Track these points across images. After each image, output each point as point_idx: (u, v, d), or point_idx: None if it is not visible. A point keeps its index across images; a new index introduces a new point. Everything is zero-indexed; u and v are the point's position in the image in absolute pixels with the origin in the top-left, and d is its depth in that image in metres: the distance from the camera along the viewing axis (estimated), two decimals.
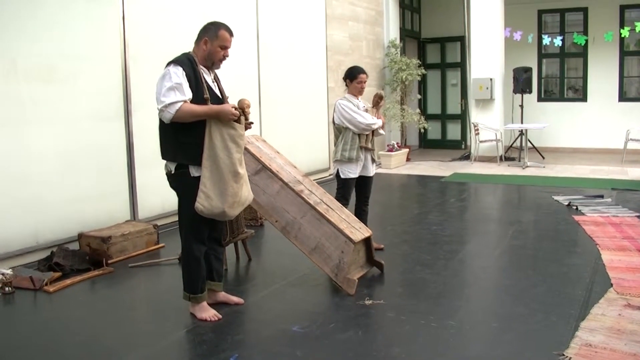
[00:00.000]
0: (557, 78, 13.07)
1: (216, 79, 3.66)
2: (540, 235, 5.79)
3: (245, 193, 3.55)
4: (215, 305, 3.79)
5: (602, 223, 6.04)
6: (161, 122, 3.45)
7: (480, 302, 3.98)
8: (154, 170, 5.79)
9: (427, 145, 13.91)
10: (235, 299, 3.92)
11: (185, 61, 3.44)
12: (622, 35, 11.29)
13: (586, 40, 11.95)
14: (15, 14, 4.80)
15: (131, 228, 5.31)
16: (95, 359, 3.18)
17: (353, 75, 5.04)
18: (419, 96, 12.89)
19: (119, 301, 4.13)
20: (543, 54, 12.97)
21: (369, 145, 5.06)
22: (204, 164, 3.39)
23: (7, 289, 4.25)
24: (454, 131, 13.74)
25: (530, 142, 11.40)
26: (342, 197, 4.98)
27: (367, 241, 4.43)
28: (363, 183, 5.14)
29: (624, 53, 12.25)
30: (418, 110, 11.83)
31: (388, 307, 3.82)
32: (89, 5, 5.39)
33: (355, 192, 5.18)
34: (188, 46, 3.63)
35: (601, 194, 7.53)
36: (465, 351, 3.17)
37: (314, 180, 6.15)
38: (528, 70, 11.74)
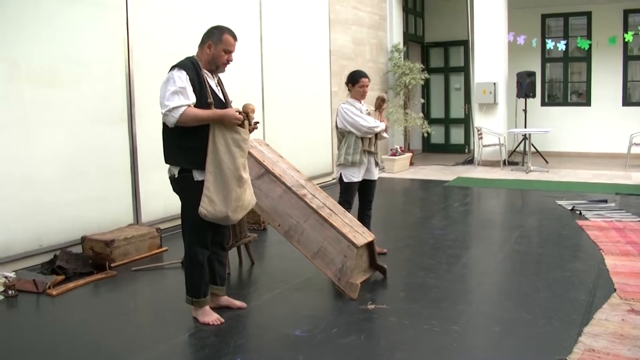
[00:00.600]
0: (560, 82, 13.06)
1: (220, 83, 3.67)
2: (543, 240, 5.77)
3: (249, 197, 3.55)
4: (218, 309, 3.79)
5: (605, 228, 6.02)
6: (165, 126, 3.45)
7: (483, 306, 3.97)
8: (157, 174, 5.80)
9: (430, 149, 13.90)
10: (238, 303, 3.92)
11: (189, 65, 3.45)
12: (626, 40, 11.28)
13: (590, 45, 11.93)
14: (19, 17, 4.82)
15: (134, 232, 5.32)
16: None
17: (355, 80, 5.04)
18: (422, 100, 12.90)
19: (121, 305, 4.13)
20: (547, 58, 12.97)
21: (372, 149, 5.06)
22: (208, 169, 3.40)
23: (10, 292, 4.26)
24: (457, 135, 13.74)
25: (534, 147, 11.39)
26: (345, 201, 4.98)
27: (370, 245, 4.43)
28: (366, 187, 5.13)
29: (627, 57, 12.24)
30: (421, 115, 11.83)
31: (391, 311, 3.82)
32: (93, 9, 5.41)
33: (358, 196, 5.17)
34: (192, 50, 3.64)
35: (605, 198, 7.52)
36: (468, 356, 3.17)
37: (317, 184, 6.16)
38: (532, 74, 11.73)
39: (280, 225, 4.32)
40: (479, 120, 11.54)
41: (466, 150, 13.31)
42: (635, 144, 10.74)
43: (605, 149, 12.26)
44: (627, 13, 12.02)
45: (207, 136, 3.41)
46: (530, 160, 10.65)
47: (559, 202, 7.42)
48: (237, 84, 6.59)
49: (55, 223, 5.12)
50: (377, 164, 5.16)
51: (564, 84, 12.98)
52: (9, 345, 3.44)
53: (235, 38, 3.58)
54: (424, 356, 3.16)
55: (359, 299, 4.01)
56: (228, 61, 3.56)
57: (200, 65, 3.51)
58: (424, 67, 11.93)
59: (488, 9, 11.26)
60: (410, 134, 12.27)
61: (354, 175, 5.00)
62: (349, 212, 4.68)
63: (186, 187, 3.48)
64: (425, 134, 12.04)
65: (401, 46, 11.81)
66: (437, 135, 13.52)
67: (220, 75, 3.67)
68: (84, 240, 5.13)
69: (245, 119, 3.46)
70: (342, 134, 5.05)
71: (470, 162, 11.67)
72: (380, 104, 5.11)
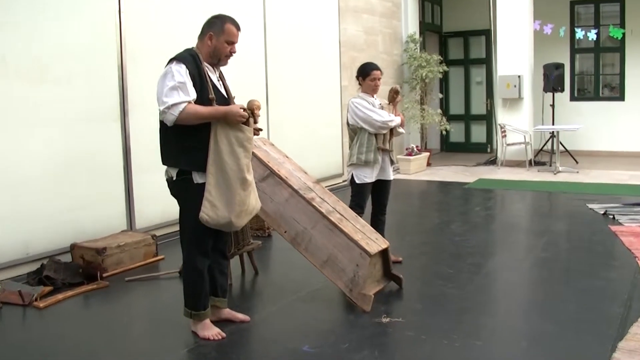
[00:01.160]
0: (591, 75, 13.00)
1: (221, 78, 3.67)
2: (573, 247, 5.75)
3: (253, 201, 3.56)
4: (219, 322, 3.80)
5: None
6: (162, 125, 3.46)
7: (508, 319, 3.95)
8: (152, 176, 5.80)
9: (449, 148, 13.88)
10: (240, 316, 3.92)
11: (188, 58, 3.45)
12: None
13: (623, 34, 11.87)
14: (5, 9, 4.85)
15: (128, 239, 5.33)
16: None
17: (366, 72, 5.04)
18: (440, 95, 12.88)
19: (114, 318, 4.15)
20: (576, 48, 12.91)
21: (387, 147, 5.04)
22: (209, 170, 3.40)
23: None
24: (478, 133, 13.70)
25: (563, 145, 11.34)
26: (356, 205, 4.97)
27: (384, 253, 4.42)
28: (380, 188, 5.12)
29: None
30: (439, 111, 11.81)
31: (407, 325, 3.81)
32: None
33: (371, 199, 5.17)
34: (191, 42, 3.65)
35: None
36: None
37: (327, 187, 6.16)
38: (560, 66, 11.69)
39: (286, 232, 4.32)
40: (502, 116, 11.51)
41: (488, 150, 13.26)
42: None
43: None
44: None
45: (208, 135, 3.41)
46: (559, 160, 10.60)
47: (590, 206, 7.38)
48: (238, 78, 6.59)
49: (43, 229, 5.14)
50: (392, 163, 5.15)
51: (595, 77, 12.91)
52: None
53: (238, 28, 3.58)
54: None
55: (372, 312, 4.00)
56: (231, 53, 3.56)
57: (201, 58, 3.51)
58: (442, 59, 11.91)
59: None
60: (427, 132, 12.25)
61: (367, 176, 4.99)
62: (361, 217, 4.67)
63: (185, 190, 3.49)
64: (444, 132, 12.03)
65: (417, 36, 11.79)
66: (456, 133, 13.49)
67: (221, 68, 3.69)
68: (73, 248, 5.15)
69: (250, 117, 3.46)
70: (354, 131, 5.04)
71: (492, 162, 11.64)
72: (394, 96, 5.11)
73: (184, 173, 3.47)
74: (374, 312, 4.00)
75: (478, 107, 13.63)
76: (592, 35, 11.68)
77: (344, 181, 9.14)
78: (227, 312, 3.91)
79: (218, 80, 3.61)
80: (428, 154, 11.62)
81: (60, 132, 5.27)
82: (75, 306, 4.38)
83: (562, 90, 11.84)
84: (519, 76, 11.22)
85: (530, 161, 11.09)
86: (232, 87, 3.76)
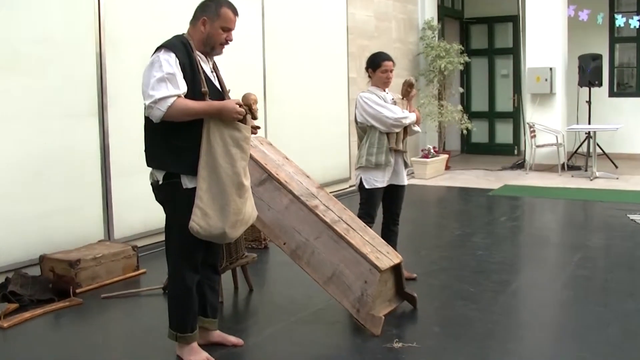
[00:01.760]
0: (633, 68, 13.00)
1: (215, 69, 3.67)
2: (612, 264, 5.74)
3: (250, 210, 3.55)
4: (208, 346, 3.78)
5: None
6: (147, 121, 3.46)
7: (538, 345, 3.94)
8: (134, 179, 5.81)
9: (470, 150, 13.88)
10: (232, 339, 3.92)
11: (178, 46, 3.45)
12: None
13: None
14: None
15: (105, 250, 5.33)
16: None
17: (376, 64, 5.03)
18: (461, 90, 12.88)
19: (88, 340, 4.13)
20: (616, 37, 12.91)
21: (400, 147, 5.04)
22: (201, 174, 3.40)
23: None
24: (504, 133, 13.70)
25: (600, 148, 11.33)
26: (366, 214, 4.97)
27: (396, 269, 4.41)
28: (393, 194, 5.11)
29: None
30: (460, 107, 11.81)
31: (423, 351, 3.80)
32: None
33: (382, 207, 5.16)
34: (181, 27, 3.64)
35: None
36: None
37: (332, 192, 6.15)
38: (597, 57, 11.68)
39: (285, 244, 4.31)
40: (531, 114, 11.49)
41: (515, 152, 13.27)
42: None
43: None
44: None
45: (200, 134, 3.41)
46: (596, 164, 10.59)
47: (632, 217, 7.37)
48: (232, 70, 6.58)
49: (8, 239, 5.13)
50: (406, 166, 5.15)
51: (638, 70, 12.91)
52: None
53: (235, 13, 3.58)
54: None
55: (382, 335, 3.99)
56: (227, 41, 3.56)
57: (193, 46, 3.51)
58: (463, 48, 11.91)
59: None
60: (446, 131, 12.25)
61: (378, 180, 4.99)
62: (370, 227, 4.67)
63: (173, 196, 3.49)
64: (465, 131, 12.02)
65: (435, 22, 11.80)
66: (479, 132, 13.49)
67: (215, 58, 3.69)
68: (42, 259, 5.14)
69: (248, 113, 3.46)
70: (363, 130, 5.04)
71: (520, 166, 11.63)
72: (408, 90, 5.10)
73: (171, 176, 3.47)
74: (385, 337, 3.98)
75: (504, 103, 13.63)
76: (634, 22, 11.64)
77: (351, 186, 9.14)
78: (218, 335, 3.90)
79: (212, 72, 3.61)
80: (447, 156, 11.62)
81: (29, 129, 5.26)
82: (44, 326, 4.37)
83: (600, 84, 11.82)
84: (550, 68, 11.21)
85: (562, 165, 11.08)
86: (225, 81, 3.76)
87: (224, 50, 3.61)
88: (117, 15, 5.94)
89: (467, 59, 11.72)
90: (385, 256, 4.28)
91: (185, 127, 3.40)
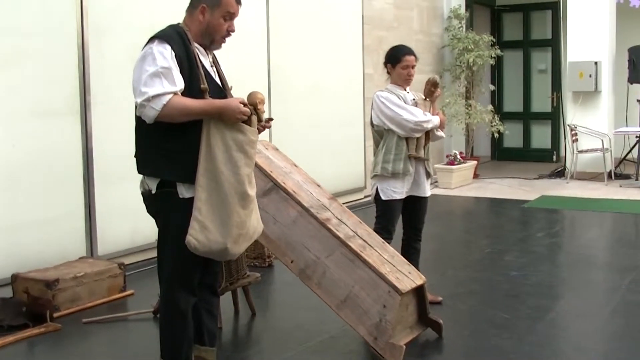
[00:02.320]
0: None
1: (215, 63, 3.68)
2: None
3: (254, 223, 3.55)
4: None
5: None
6: (139, 122, 3.46)
7: None
8: (121, 187, 5.83)
9: (502, 156, 13.88)
10: None
11: (174, 37, 3.46)
12: None
13: None
14: None
15: (87, 268, 5.34)
16: None
17: (396, 58, 5.05)
18: (491, 87, 12.87)
19: None
20: None
21: (422, 154, 5.05)
22: (199, 182, 3.40)
23: None
24: (541, 137, 13.68)
25: None
26: (383, 229, 4.97)
27: (419, 291, 4.42)
28: (414, 207, 5.12)
29: None
30: (490, 107, 11.80)
31: None
32: None
33: (402, 220, 5.18)
34: (175, 15, 3.66)
35: None
36: None
37: (345, 204, 6.16)
38: None
39: (293, 262, 4.32)
40: (572, 115, 11.47)
41: (554, 158, 13.25)
42: None
43: None
44: None
45: (198, 137, 3.41)
46: None
47: None
48: (232, 64, 6.60)
49: None
50: (428, 175, 5.16)
51: None
52: None
53: (238, 0, 3.60)
54: None
55: None
56: (229, 32, 3.57)
57: (190, 38, 3.52)
58: (494, 40, 11.91)
59: None
60: (474, 135, 12.24)
61: (396, 191, 5.00)
62: (389, 243, 4.68)
63: (167, 207, 3.49)
64: (496, 135, 12.00)
65: (462, 11, 11.81)
66: (512, 136, 13.47)
67: (214, 52, 3.70)
68: (15, 279, 5.15)
69: (253, 113, 3.47)
70: (380, 134, 5.06)
71: (559, 174, 11.62)
72: (431, 89, 5.11)
73: (166, 185, 3.47)
74: None
75: (541, 102, 13.62)
76: None
77: (366, 197, 9.14)
78: None
79: (212, 66, 3.61)
80: (475, 163, 11.61)
81: (2, 130, 5.30)
82: (17, 355, 4.38)
83: None
84: (595, 63, 11.20)
85: (609, 173, 11.06)
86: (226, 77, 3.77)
87: (225, 42, 3.62)
88: (102, 0, 5.98)
89: (499, 52, 11.70)
90: (407, 277, 4.29)
91: (182, 129, 3.41)
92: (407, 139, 4.97)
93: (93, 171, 5.90)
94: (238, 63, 7.03)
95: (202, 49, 3.57)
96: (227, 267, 4.69)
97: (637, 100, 11.72)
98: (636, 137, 11.33)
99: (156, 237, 3.61)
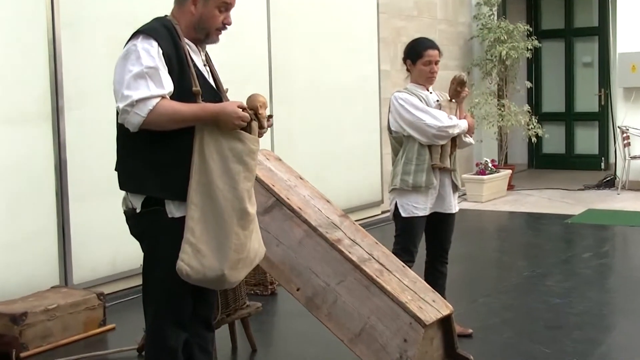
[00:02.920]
0: None
1: (208, 61, 3.70)
2: None
3: (256, 245, 3.55)
4: None
5: None
6: (122, 130, 3.46)
7: None
8: (100, 204, 5.85)
9: (541, 164, 13.89)
10: None
11: (161, 32, 3.46)
12: None
13: None
14: None
15: (61, 299, 5.34)
16: None
17: (417, 53, 5.06)
18: (528, 84, 12.89)
19: None
20: None
21: (447, 164, 5.06)
22: (192, 199, 3.40)
23: None
24: (587, 141, 13.67)
25: None
26: (403, 250, 4.98)
27: (445, 323, 4.42)
28: (439, 225, 5.13)
29: None
30: (527, 108, 11.79)
31: None
32: None
33: (425, 240, 5.19)
34: (163, 7, 3.69)
35: None
36: None
37: (359, 221, 6.16)
38: None
39: (299, 290, 4.33)
40: (624, 115, 11.47)
41: (602, 166, 13.23)
42: None
43: None
44: None
45: (190, 146, 3.41)
46: None
47: None
48: (227, 62, 6.62)
49: None
50: (455, 188, 5.17)
51: None
52: None
53: None
54: None
55: None
56: (225, 25, 3.58)
57: (180, 33, 3.54)
58: (531, 29, 11.92)
59: None
60: (508, 140, 12.24)
61: (418, 207, 5.00)
62: (410, 267, 4.68)
63: (155, 228, 3.49)
64: (534, 139, 11.99)
65: None
66: (552, 140, 13.47)
67: (207, 48, 3.72)
68: None
69: (254, 119, 3.47)
70: (398, 141, 5.07)
71: (609, 184, 11.61)
72: (457, 89, 5.11)
73: (152, 203, 3.46)
74: None
75: (586, 101, 13.61)
76: None
77: (384, 213, 9.15)
78: None
79: (204, 66, 3.63)
80: (510, 172, 11.61)
81: None
82: None
83: None
84: None
85: None
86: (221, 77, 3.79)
87: (220, 36, 3.63)
88: None
89: (536, 43, 11.72)
90: (431, 306, 4.29)
91: (171, 138, 3.40)
92: (430, 147, 4.98)
93: (67, 186, 5.90)
94: (234, 61, 7.05)
95: (193, 46, 3.55)
96: (224, 296, 4.69)
97: None
98: None
99: (141, 263, 3.61)
